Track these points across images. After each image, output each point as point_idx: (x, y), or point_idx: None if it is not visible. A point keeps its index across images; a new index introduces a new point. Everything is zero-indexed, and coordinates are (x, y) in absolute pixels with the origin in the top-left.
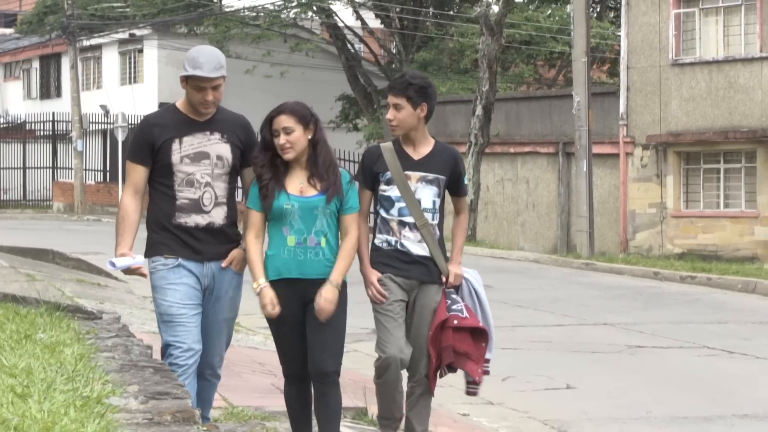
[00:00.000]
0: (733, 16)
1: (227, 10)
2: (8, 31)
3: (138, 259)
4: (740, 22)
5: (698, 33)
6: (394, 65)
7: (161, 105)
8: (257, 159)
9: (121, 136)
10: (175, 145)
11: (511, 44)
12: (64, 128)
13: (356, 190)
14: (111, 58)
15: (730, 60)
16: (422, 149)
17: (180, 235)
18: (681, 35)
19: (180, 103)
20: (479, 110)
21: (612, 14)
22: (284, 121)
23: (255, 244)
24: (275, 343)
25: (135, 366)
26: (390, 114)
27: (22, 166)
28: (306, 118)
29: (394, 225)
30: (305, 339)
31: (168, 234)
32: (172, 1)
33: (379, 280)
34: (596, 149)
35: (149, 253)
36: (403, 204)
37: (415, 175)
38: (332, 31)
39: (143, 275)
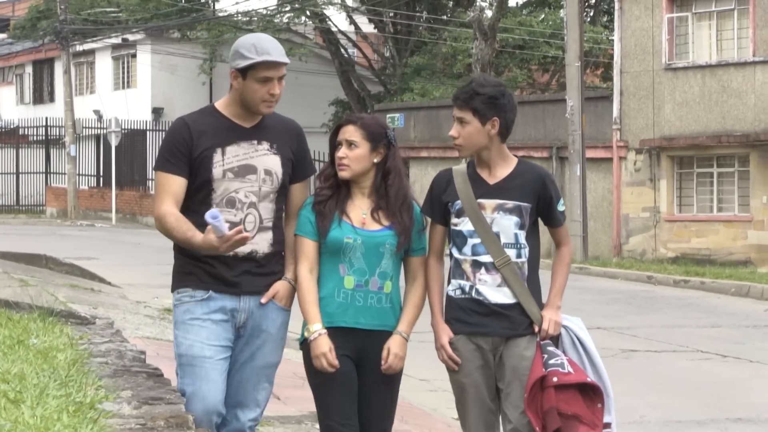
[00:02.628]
0: (726, 20)
1: (220, 14)
2: (1, 36)
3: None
4: (733, 26)
5: (691, 37)
6: (387, 70)
7: (154, 110)
8: (325, 175)
9: (114, 141)
10: (217, 156)
11: (504, 49)
12: (58, 133)
13: (426, 232)
14: (104, 63)
15: (723, 64)
16: (499, 171)
17: (214, 264)
18: (674, 39)
19: (221, 105)
20: None
21: (605, 18)
22: (350, 132)
23: (309, 280)
24: (316, 400)
25: (128, 371)
26: (453, 130)
27: (15, 171)
28: (376, 136)
29: (467, 267)
30: (356, 400)
31: (199, 263)
32: (165, 5)
33: (451, 343)
34: (590, 153)
35: (175, 285)
36: (477, 240)
37: (489, 203)
38: (326, 35)
39: (246, 237)
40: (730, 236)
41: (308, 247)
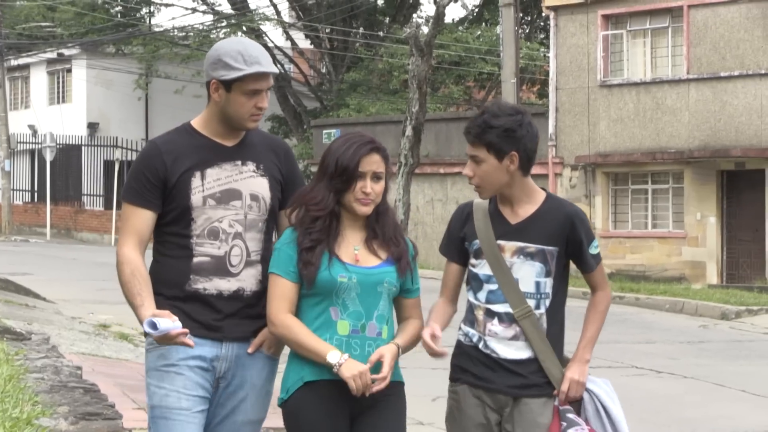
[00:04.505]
0: (660, 38)
1: (156, 29)
2: None
3: (177, 324)
4: (667, 44)
5: (626, 55)
6: (324, 85)
7: (90, 125)
8: (321, 205)
9: (49, 156)
10: (196, 181)
11: (440, 65)
12: None
13: (417, 266)
14: (39, 78)
15: (657, 81)
16: (523, 210)
17: (193, 305)
18: (609, 57)
19: (198, 122)
20: (409, 131)
21: (541, 36)
22: (377, 163)
23: (295, 320)
24: None
25: (65, 387)
26: (468, 169)
27: None
28: (389, 162)
29: (479, 314)
30: None
31: (177, 302)
32: (100, 20)
33: (452, 392)
34: None
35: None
36: (494, 286)
37: (509, 245)
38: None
39: (189, 345)
40: (665, 252)
41: (289, 290)
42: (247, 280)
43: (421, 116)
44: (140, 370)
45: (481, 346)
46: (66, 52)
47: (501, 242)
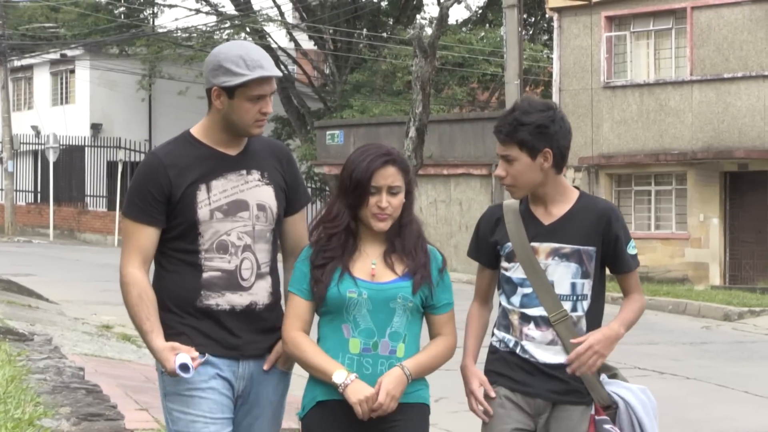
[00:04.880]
0: (663, 39)
1: (160, 30)
2: None
3: (198, 357)
4: (671, 45)
5: (629, 56)
6: (327, 87)
7: (93, 126)
8: (336, 222)
9: (52, 157)
10: (202, 194)
11: (444, 66)
12: None
13: (450, 279)
14: (42, 79)
15: (660, 83)
16: (556, 209)
17: (207, 322)
18: (612, 58)
19: (199, 131)
20: (412, 132)
21: (545, 37)
22: (393, 176)
23: (305, 336)
24: None
25: (67, 387)
26: (500, 169)
27: None
28: (409, 174)
29: (515, 319)
30: None
31: (190, 320)
32: (104, 21)
33: (488, 397)
34: None
35: None
36: (528, 289)
37: (543, 247)
38: (265, 52)
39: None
40: (668, 254)
41: (302, 307)
42: (259, 293)
43: (425, 117)
44: (143, 371)
45: (518, 351)
46: (69, 52)
47: (534, 244)
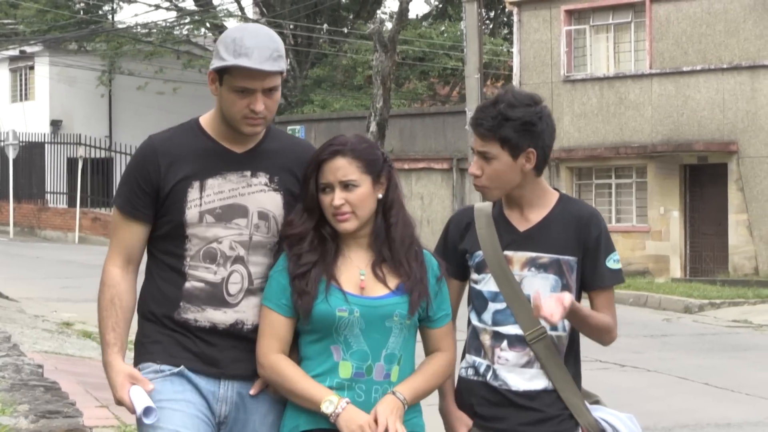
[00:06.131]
0: (623, 33)
1: (119, 26)
2: None
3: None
4: (630, 39)
5: (589, 50)
6: (288, 82)
7: (53, 123)
8: (294, 226)
9: (11, 154)
10: (193, 193)
11: (404, 61)
12: None
13: (447, 287)
14: (1, 75)
15: (620, 76)
16: (533, 214)
17: (187, 335)
18: (572, 52)
19: (206, 120)
20: (373, 127)
21: (505, 31)
22: (343, 168)
23: (286, 360)
24: None
25: (25, 385)
26: (475, 167)
27: None
28: (377, 164)
29: (486, 339)
30: None
31: (166, 330)
32: (63, 17)
33: None
34: None
35: (137, 359)
36: (501, 305)
37: (518, 256)
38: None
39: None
40: (629, 247)
41: (282, 326)
42: (247, 311)
43: (385, 112)
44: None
45: (489, 377)
46: (28, 49)
47: (508, 253)
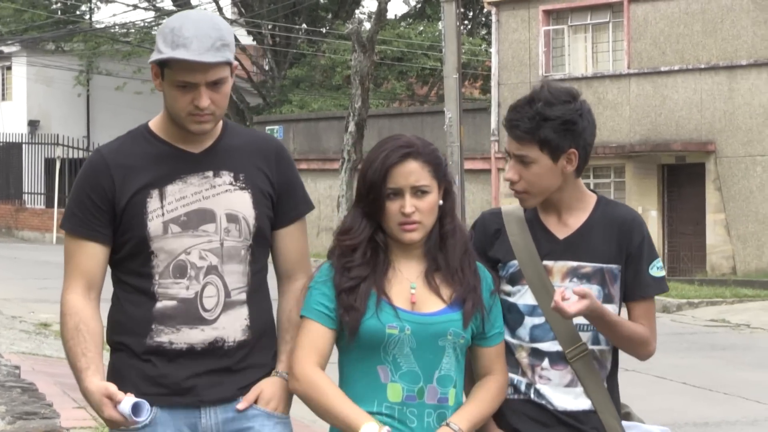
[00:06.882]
0: (601, 33)
1: (97, 26)
2: None
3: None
4: (608, 39)
5: (567, 50)
6: (266, 82)
7: (30, 123)
8: (354, 235)
9: None
10: (153, 202)
11: (383, 61)
12: None
13: (500, 303)
14: None
15: (598, 76)
16: (572, 219)
17: (155, 362)
18: (551, 52)
19: (156, 123)
20: (352, 127)
21: (483, 31)
22: (416, 172)
23: (324, 376)
24: None
25: (2, 386)
26: (511, 172)
27: None
28: (442, 167)
29: (523, 357)
30: None
31: (136, 362)
32: (40, 17)
33: None
34: (468, 165)
35: None
36: (539, 319)
37: (559, 266)
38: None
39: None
40: None
41: (322, 337)
42: (227, 328)
43: (364, 112)
44: None
45: (533, 395)
46: (5, 49)
47: (548, 263)
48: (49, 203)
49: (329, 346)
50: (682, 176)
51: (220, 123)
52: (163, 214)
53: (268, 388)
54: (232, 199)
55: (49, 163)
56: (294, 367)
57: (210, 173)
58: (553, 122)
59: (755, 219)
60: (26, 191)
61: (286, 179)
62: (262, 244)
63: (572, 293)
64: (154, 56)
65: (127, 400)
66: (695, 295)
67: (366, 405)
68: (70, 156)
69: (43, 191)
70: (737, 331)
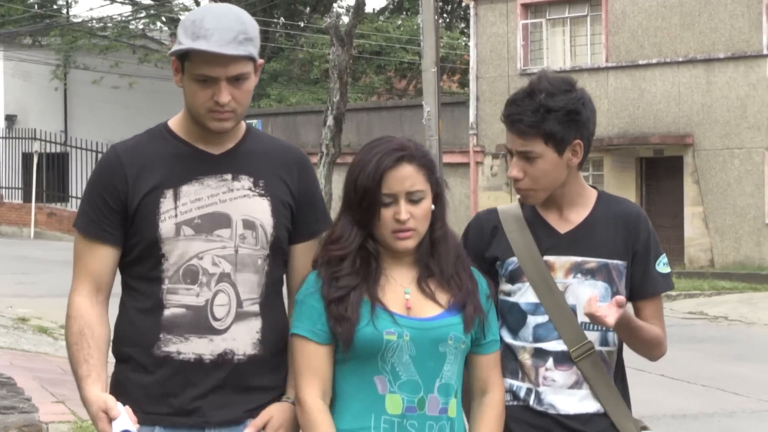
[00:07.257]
0: (579, 26)
1: (74, 20)
2: None
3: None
4: (586, 32)
5: (546, 43)
6: None
7: (8, 118)
8: (343, 245)
9: None
10: (167, 203)
11: (361, 55)
12: None
13: (494, 306)
14: None
15: (576, 70)
16: (574, 214)
17: (162, 378)
18: (529, 45)
19: (175, 122)
20: (330, 120)
21: (462, 25)
22: (411, 177)
23: (321, 409)
24: None
25: None
26: (515, 170)
27: None
28: (434, 172)
29: (526, 359)
30: None
31: (141, 377)
32: (17, 11)
33: None
34: (447, 158)
35: None
36: (542, 318)
37: (562, 262)
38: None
39: None
40: None
41: (319, 357)
42: (238, 339)
43: (342, 106)
44: (60, 364)
45: (533, 402)
46: None
47: (549, 258)
48: (27, 198)
49: (328, 365)
50: (660, 169)
51: (243, 126)
52: (176, 215)
53: (277, 414)
54: (250, 205)
55: (27, 158)
56: (297, 395)
57: (228, 176)
58: (557, 113)
59: (733, 212)
60: (4, 186)
61: (308, 192)
62: (279, 255)
63: (605, 303)
64: (174, 48)
65: (119, 422)
66: (674, 288)
67: (363, 420)
68: (48, 151)
69: (20, 186)
70: (715, 323)
